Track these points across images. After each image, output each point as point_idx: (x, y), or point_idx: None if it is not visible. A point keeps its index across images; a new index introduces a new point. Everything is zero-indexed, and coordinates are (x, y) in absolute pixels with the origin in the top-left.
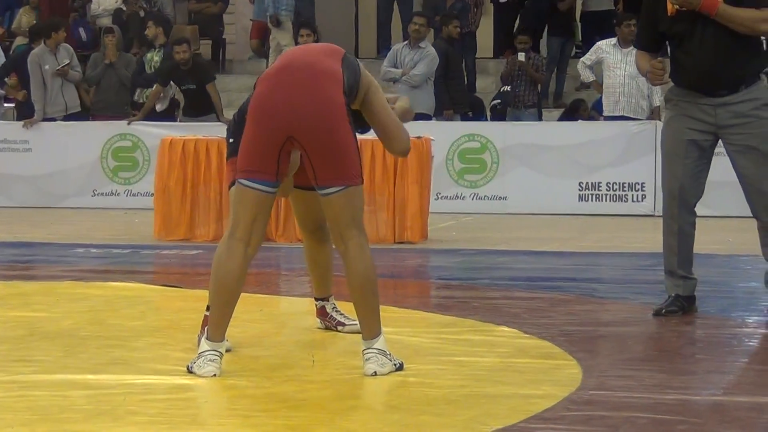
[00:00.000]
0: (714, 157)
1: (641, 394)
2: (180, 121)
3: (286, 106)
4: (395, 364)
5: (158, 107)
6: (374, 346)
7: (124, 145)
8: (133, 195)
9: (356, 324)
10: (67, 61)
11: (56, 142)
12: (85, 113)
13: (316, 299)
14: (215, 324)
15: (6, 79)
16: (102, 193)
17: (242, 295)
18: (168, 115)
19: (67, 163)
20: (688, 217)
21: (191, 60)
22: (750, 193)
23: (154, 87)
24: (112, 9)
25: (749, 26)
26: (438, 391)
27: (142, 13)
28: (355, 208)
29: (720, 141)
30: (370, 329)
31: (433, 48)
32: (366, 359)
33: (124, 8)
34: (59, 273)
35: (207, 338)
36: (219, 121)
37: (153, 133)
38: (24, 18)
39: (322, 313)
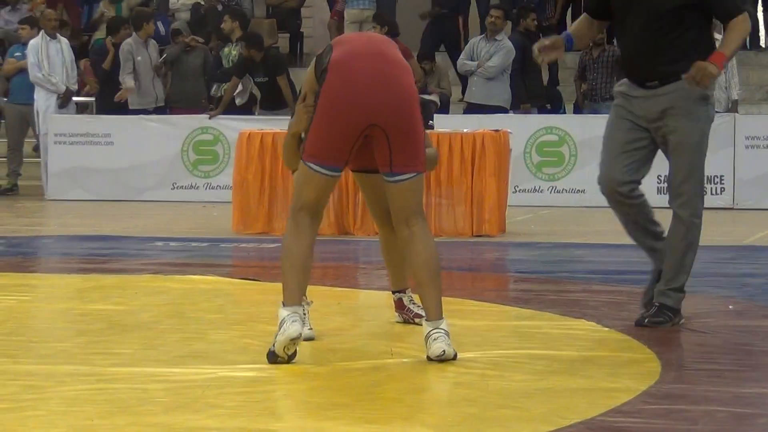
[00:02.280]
0: None
1: (720, 388)
2: (258, 114)
3: (367, 96)
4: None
5: (238, 101)
6: (441, 326)
7: (205, 138)
8: (212, 188)
9: None
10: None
11: (137, 136)
12: (162, 107)
13: (393, 292)
14: (290, 289)
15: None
16: (181, 186)
17: (321, 288)
18: (247, 109)
19: (147, 157)
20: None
21: (264, 53)
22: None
23: (231, 80)
24: (190, 4)
25: (744, 38)
26: (516, 384)
27: (220, 7)
28: (421, 194)
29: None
30: (438, 310)
31: (509, 41)
32: (434, 339)
33: (203, 2)
34: (138, 266)
35: (284, 305)
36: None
37: (233, 127)
38: (104, 10)
39: (399, 305)
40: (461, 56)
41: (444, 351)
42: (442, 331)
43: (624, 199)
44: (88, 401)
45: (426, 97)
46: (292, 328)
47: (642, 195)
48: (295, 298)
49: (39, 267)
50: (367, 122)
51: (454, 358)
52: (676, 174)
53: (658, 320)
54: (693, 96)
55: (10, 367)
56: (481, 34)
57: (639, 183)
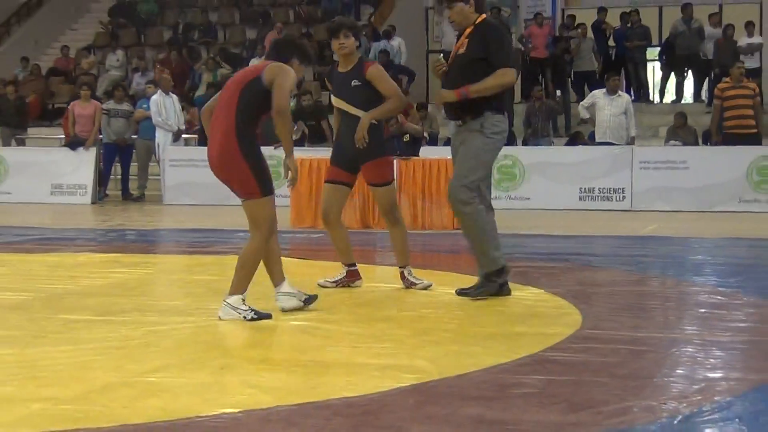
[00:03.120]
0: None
1: (623, 333)
2: (307, 146)
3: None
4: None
5: (294, 137)
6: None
7: (271, 163)
8: (277, 195)
9: (424, 283)
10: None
11: None
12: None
13: (399, 267)
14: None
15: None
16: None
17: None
18: (300, 143)
19: None
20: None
21: (313, 104)
22: None
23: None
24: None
25: (500, 85)
26: (483, 329)
27: None
28: (254, 215)
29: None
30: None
31: None
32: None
33: None
34: (228, 249)
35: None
36: (328, 145)
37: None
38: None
39: (402, 276)
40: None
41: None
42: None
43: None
44: (192, 341)
45: (414, 127)
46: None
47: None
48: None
49: (158, 250)
50: (214, 173)
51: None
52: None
53: (469, 292)
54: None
55: (138, 318)
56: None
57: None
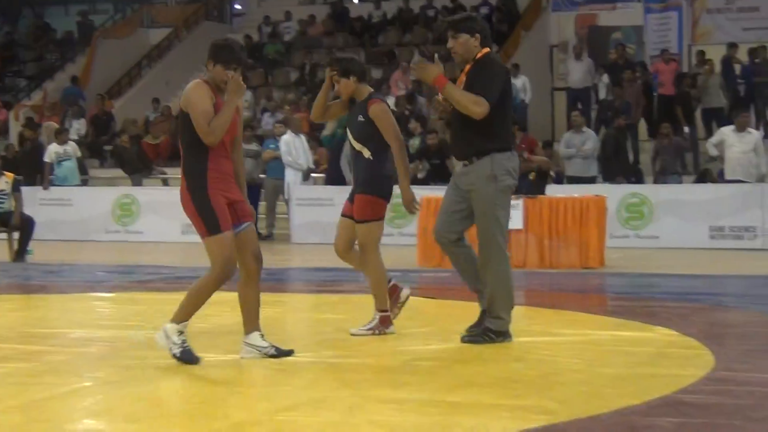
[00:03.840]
0: None
1: (757, 374)
2: (431, 184)
3: None
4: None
5: (419, 175)
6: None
7: (398, 201)
8: (403, 235)
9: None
10: None
11: None
12: None
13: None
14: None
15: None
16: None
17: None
18: (424, 181)
19: None
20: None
21: (438, 143)
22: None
23: (415, 162)
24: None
25: (464, 106)
26: (612, 370)
27: (407, 113)
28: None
29: None
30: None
31: (592, 131)
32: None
33: (395, 109)
34: (354, 288)
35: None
36: None
37: (416, 193)
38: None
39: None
40: (561, 145)
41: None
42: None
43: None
44: (321, 380)
45: (541, 159)
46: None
47: (466, 244)
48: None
49: (287, 288)
50: None
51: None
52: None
53: (476, 340)
54: (484, 175)
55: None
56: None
57: (461, 234)
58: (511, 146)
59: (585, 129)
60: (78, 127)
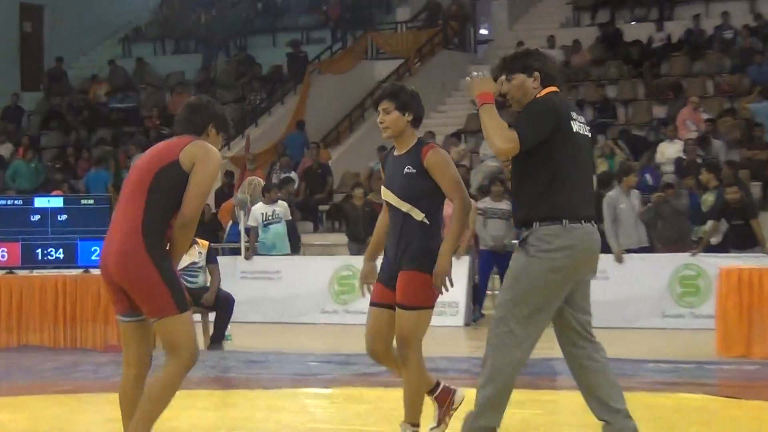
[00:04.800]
0: None
1: None
2: (730, 252)
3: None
4: None
5: (713, 241)
6: None
7: (688, 273)
8: (696, 317)
9: None
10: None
11: (628, 271)
12: (647, 246)
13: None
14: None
15: None
16: (670, 315)
17: None
18: (721, 248)
19: (638, 290)
20: None
21: (741, 199)
22: None
23: (710, 223)
24: (673, 158)
25: (487, 136)
26: None
27: (699, 160)
28: (171, 334)
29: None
30: None
31: None
32: None
33: (684, 156)
34: (634, 384)
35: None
36: (763, 252)
37: (711, 263)
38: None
39: None
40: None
41: None
42: None
43: None
44: None
45: None
46: None
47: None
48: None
49: (552, 384)
50: (107, 278)
51: None
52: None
53: None
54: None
55: None
56: None
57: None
58: (564, 215)
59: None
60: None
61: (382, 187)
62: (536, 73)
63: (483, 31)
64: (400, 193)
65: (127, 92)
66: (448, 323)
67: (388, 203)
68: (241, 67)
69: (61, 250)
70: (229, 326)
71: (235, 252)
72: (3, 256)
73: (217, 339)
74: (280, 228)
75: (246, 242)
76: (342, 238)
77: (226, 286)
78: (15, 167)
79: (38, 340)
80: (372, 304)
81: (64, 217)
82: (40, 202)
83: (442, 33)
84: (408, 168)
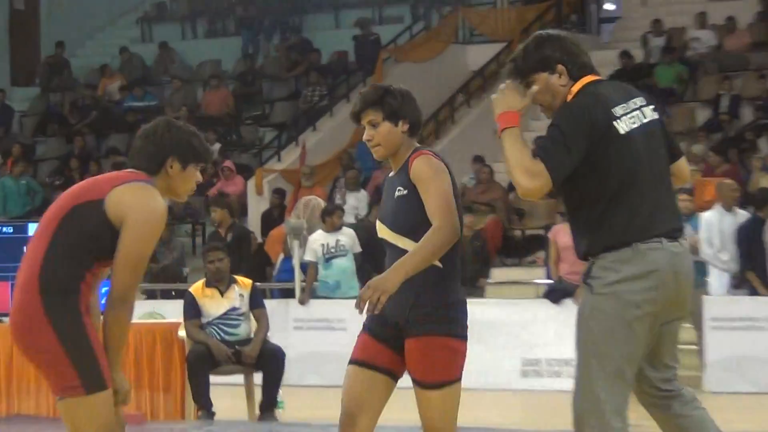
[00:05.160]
0: None
1: None
2: None
3: None
4: None
5: None
6: None
7: None
8: None
9: None
10: None
11: None
12: None
13: None
14: None
15: None
16: None
17: None
18: None
19: None
20: None
21: None
22: None
23: None
24: None
25: (509, 170)
26: None
27: None
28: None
29: None
30: None
31: None
32: None
33: None
34: None
35: None
36: None
37: None
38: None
39: None
40: None
41: None
42: None
43: None
44: None
45: None
46: None
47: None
48: None
49: None
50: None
51: None
52: None
53: None
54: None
55: None
56: None
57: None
58: (633, 237)
59: None
60: (355, 204)
61: (377, 221)
62: (559, 66)
63: (608, 6)
64: (392, 224)
65: (146, 87)
66: (561, 387)
67: (385, 241)
68: (294, 54)
69: None
70: (280, 390)
71: (288, 294)
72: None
73: (267, 407)
74: (346, 263)
75: (302, 281)
76: None
77: (275, 337)
78: (2, 185)
79: (33, 408)
80: (355, 362)
81: None
82: (35, 229)
83: (555, 9)
84: (399, 189)
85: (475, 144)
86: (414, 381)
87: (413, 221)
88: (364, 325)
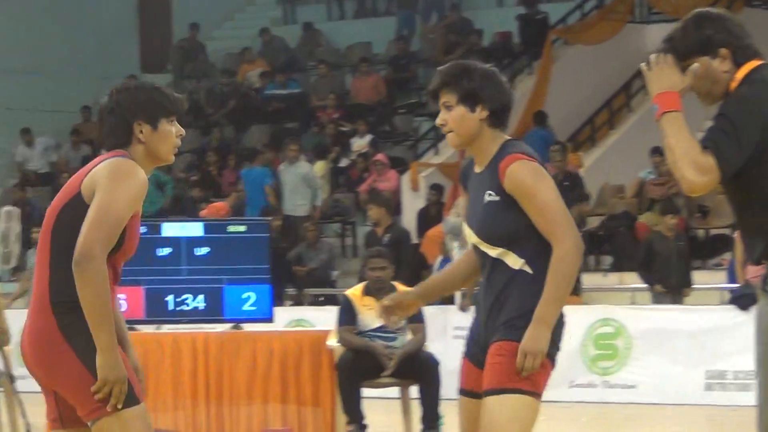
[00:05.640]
0: None
1: None
2: None
3: None
4: None
5: None
6: None
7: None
8: None
9: None
10: None
11: None
12: None
13: None
14: None
15: None
16: None
17: None
18: None
19: None
20: None
21: None
22: None
23: None
24: None
25: (673, 161)
26: None
27: None
28: None
29: None
30: None
31: None
32: None
33: None
34: None
35: None
36: None
37: None
38: None
39: None
40: None
41: None
42: None
43: None
44: None
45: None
46: None
47: None
48: None
49: None
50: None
51: None
52: None
53: None
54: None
55: None
56: None
57: None
58: None
59: None
60: None
61: (464, 224)
62: (722, 50)
63: None
64: (482, 232)
65: (290, 73)
66: (751, 402)
67: (475, 247)
68: (453, 35)
69: (201, 297)
70: (440, 403)
71: (447, 300)
72: (121, 306)
73: (430, 422)
74: None
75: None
76: (597, 279)
77: (433, 347)
78: None
79: (171, 424)
80: (461, 391)
81: (204, 250)
82: (169, 229)
83: None
84: (489, 194)
85: (654, 134)
86: (483, 391)
87: (509, 231)
88: (466, 347)
